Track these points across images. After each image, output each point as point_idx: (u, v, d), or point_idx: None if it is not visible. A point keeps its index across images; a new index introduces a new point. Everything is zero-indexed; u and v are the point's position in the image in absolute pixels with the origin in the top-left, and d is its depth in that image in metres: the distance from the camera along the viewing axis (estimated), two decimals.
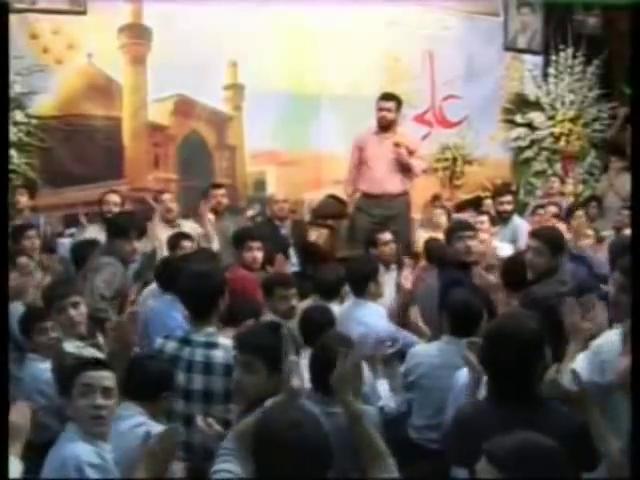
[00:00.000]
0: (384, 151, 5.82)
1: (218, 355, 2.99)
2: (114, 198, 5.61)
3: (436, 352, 3.36)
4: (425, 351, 3.45)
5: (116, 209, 5.57)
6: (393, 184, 5.83)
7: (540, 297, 3.65)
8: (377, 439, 2.26)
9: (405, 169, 5.86)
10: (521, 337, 2.33)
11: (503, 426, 1.90)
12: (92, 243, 4.73)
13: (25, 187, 5.79)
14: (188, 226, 5.79)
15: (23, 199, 5.66)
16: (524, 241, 5.53)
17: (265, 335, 2.62)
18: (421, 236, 5.78)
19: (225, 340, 3.03)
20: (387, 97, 5.89)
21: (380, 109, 5.84)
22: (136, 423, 2.67)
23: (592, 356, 2.67)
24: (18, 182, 5.98)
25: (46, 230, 5.57)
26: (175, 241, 4.83)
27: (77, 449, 2.41)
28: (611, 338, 2.76)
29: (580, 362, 2.65)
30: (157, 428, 2.60)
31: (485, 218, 5.91)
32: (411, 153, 5.88)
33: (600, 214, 6.74)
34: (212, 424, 2.59)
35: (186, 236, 4.90)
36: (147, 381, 2.78)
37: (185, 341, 3.09)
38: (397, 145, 5.80)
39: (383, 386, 3.35)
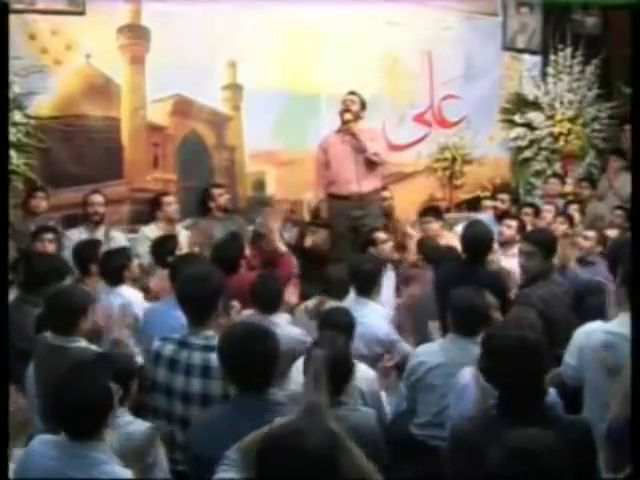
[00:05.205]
0: (346, 149, 5.79)
1: (216, 359, 2.94)
2: (98, 198, 5.62)
3: (439, 350, 3.35)
4: (429, 349, 3.43)
5: (101, 209, 5.58)
6: (360, 183, 5.76)
7: (535, 299, 3.68)
8: (363, 460, 2.18)
9: (370, 163, 5.79)
10: (530, 351, 2.33)
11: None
12: (93, 243, 4.71)
13: (42, 190, 5.80)
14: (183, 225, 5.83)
15: (43, 203, 5.68)
16: None
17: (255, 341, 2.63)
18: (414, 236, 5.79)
19: None
20: (350, 93, 5.96)
21: (343, 101, 5.91)
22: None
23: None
24: (24, 184, 5.94)
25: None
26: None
27: None
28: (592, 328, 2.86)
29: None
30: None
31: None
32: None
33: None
34: None
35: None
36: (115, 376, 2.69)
37: (183, 344, 3.07)
38: (352, 135, 5.77)
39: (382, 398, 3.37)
